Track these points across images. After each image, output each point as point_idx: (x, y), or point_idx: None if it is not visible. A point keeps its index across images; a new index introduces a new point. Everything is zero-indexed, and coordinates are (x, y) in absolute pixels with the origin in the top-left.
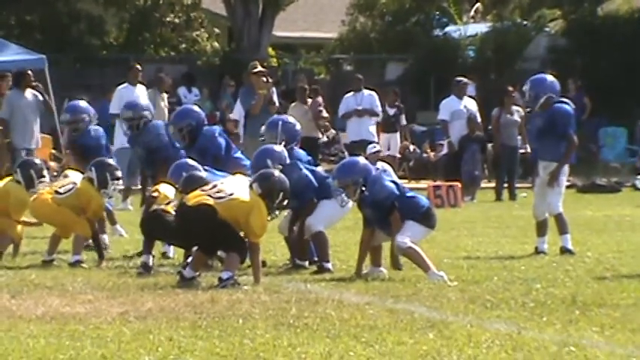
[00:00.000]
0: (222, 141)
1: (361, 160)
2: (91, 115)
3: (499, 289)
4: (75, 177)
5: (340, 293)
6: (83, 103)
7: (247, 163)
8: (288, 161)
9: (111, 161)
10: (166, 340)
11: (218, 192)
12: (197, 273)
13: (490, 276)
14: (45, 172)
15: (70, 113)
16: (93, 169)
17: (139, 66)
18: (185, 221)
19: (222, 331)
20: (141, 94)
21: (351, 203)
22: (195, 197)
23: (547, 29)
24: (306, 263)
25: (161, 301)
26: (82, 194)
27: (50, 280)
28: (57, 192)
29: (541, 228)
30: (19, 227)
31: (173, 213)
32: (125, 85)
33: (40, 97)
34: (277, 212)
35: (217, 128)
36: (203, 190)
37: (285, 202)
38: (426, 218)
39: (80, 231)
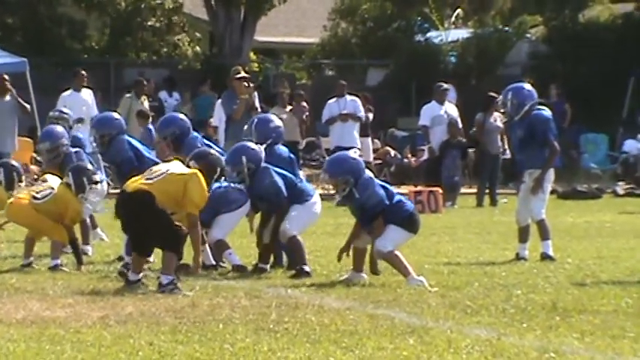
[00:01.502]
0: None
1: (353, 156)
2: (67, 138)
3: (479, 295)
4: (53, 182)
5: (320, 298)
6: (59, 128)
7: None
8: (263, 163)
9: (89, 166)
10: (147, 345)
11: (154, 172)
12: (140, 275)
13: (470, 282)
14: (22, 178)
15: (49, 141)
16: (70, 174)
17: (84, 72)
18: (124, 207)
19: (203, 336)
20: (87, 98)
21: (320, 208)
22: (133, 182)
23: (528, 35)
24: (267, 267)
25: (141, 306)
26: (60, 199)
27: (30, 284)
28: (34, 197)
29: (523, 234)
30: None
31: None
32: (70, 91)
33: (17, 101)
34: (213, 185)
35: (198, 136)
36: (142, 176)
37: (222, 178)
38: (409, 223)
39: (57, 237)
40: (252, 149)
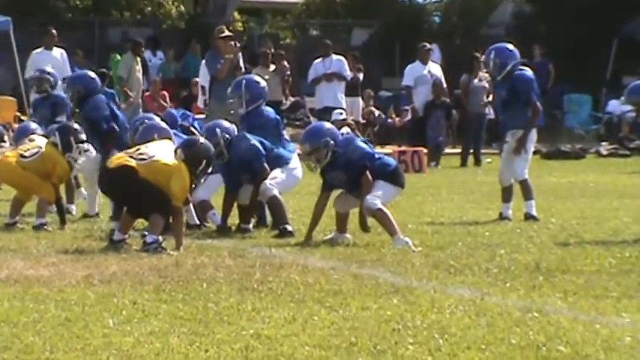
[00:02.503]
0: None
1: (326, 124)
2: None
3: (463, 254)
4: (40, 141)
5: (305, 258)
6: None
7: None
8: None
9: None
10: (130, 304)
11: (141, 154)
12: (126, 236)
13: (454, 242)
14: (5, 138)
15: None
16: (57, 133)
17: (54, 30)
18: (108, 183)
19: (186, 295)
20: (57, 57)
21: (300, 172)
22: (117, 159)
23: None
24: (250, 227)
25: (125, 265)
26: (47, 158)
27: (14, 243)
28: (22, 155)
29: (506, 194)
30: None
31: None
32: (41, 49)
33: None
34: (202, 180)
35: (103, 97)
36: (127, 153)
37: (209, 170)
38: (395, 177)
39: (45, 194)
40: (225, 125)
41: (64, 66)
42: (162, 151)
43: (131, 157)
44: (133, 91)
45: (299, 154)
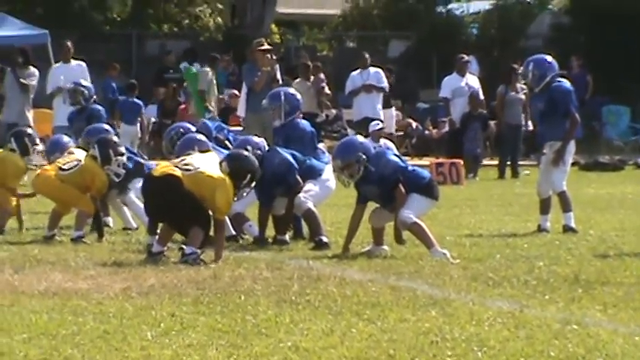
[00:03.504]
0: None
1: (358, 138)
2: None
3: (502, 266)
4: (79, 154)
5: (342, 270)
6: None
7: None
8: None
9: (114, 138)
10: (168, 316)
11: (186, 165)
12: (164, 248)
13: (493, 254)
14: (37, 140)
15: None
16: (96, 146)
17: (69, 43)
18: (151, 191)
19: (225, 308)
20: (74, 68)
21: (334, 183)
22: (162, 168)
23: (550, 7)
24: (287, 237)
25: (163, 277)
26: (86, 171)
27: (53, 256)
28: (61, 168)
29: (545, 206)
30: (14, 200)
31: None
32: (59, 63)
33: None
34: (244, 194)
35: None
36: (172, 163)
37: (253, 184)
38: (429, 189)
39: (83, 207)
40: (255, 140)
41: (82, 77)
42: (208, 163)
43: (176, 166)
44: (212, 104)
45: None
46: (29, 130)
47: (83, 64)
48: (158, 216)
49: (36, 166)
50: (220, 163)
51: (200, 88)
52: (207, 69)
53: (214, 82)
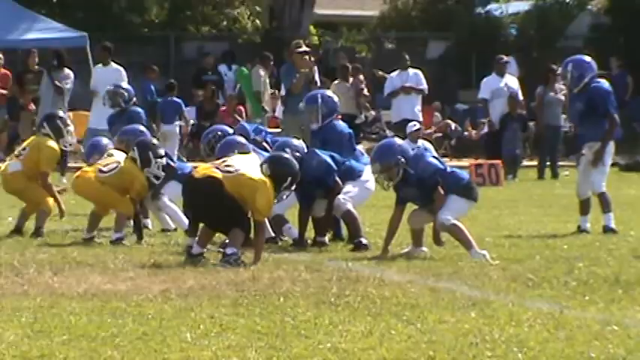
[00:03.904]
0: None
1: (396, 140)
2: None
3: (541, 267)
4: (119, 156)
5: (381, 271)
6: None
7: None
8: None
9: (154, 140)
10: (208, 318)
11: (227, 166)
12: (204, 249)
13: (532, 255)
14: (69, 122)
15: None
16: (135, 148)
17: (107, 44)
18: (192, 193)
19: (264, 309)
20: (112, 72)
21: (373, 184)
22: (203, 169)
23: (589, 7)
24: (326, 239)
25: (202, 279)
26: (126, 173)
27: (92, 258)
28: (101, 170)
29: (584, 207)
30: (51, 200)
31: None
32: (100, 65)
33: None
34: (284, 197)
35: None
36: (213, 164)
37: (293, 187)
38: (468, 191)
39: (123, 209)
40: (294, 143)
41: (120, 81)
42: (248, 165)
43: (217, 168)
44: (266, 104)
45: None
46: (60, 113)
47: (121, 67)
48: (199, 217)
49: (71, 145)
50: (261, 166)
51: (255, 89)
52: (261, 69)
53: (267, 82)
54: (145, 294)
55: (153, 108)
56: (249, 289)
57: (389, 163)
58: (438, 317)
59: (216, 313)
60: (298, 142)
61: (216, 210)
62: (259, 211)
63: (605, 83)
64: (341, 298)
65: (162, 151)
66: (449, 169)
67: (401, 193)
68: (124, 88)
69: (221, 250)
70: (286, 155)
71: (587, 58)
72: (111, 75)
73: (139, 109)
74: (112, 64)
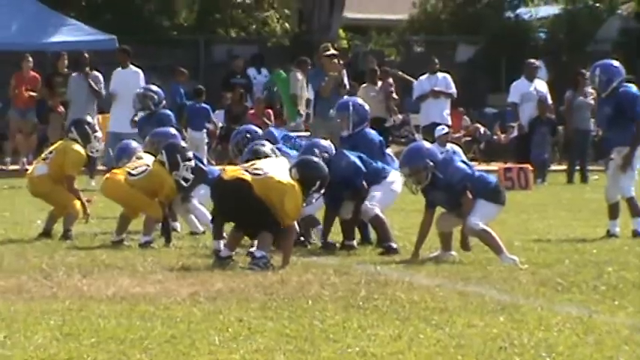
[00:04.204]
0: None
1: (425, 144)
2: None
3: (570, 272)
4: (148, 159)
5: (410, 275)
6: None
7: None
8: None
9: (182, 143)
10: (236, 321)
11: (256, 169)
12: (233, 252)
13: (561, 259)
14: (97, 128)
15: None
16: (164, 152)
17: (126, 48)
18: (220, 195)
19: (292, 313)
20: (131, 75)
21: (399, 186)
22: (232, 172)
23: (619, 11)
24: (354, 243)
25: (231, 282)
26: (155, 176)
27: (121, 261)
28: (130, 173)
29: (613, 211)
30: (78, 203)
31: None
32: (119, 69)
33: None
34: (313, 200)
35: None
36: (242, 167)
37: (322, 190)
38: (496, 195)
39: (152, 212)
40: (323, 144)
41: (137, 84)
42: (277, 169)
43: (246, 170)
44: (302, 108)
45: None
46: (89, 118)
47: (139, 71)
48: (227, 219)
49: (98, 151)
50: (290, 170)
51: (292, 92)
52: (298, 73)
53: (305, 85)
54: (173, 297)
55: (182, 111)
56: (278, 293)
57: (417, 167)
58: (467, 321)
59: (245, 317)
60: (326, 143)
61: (244, 212)
62: (287, 215)
63: (633, 87)
64: (369, 301)
65: (190, 154)
66: (477, 174)
67: (429, 196)
68: (153, 91)
69: (251, 251)
70: (315, 159)
71: (616, 63)
72: (129, 77)
73: (169, 112)
74: (131, 66)
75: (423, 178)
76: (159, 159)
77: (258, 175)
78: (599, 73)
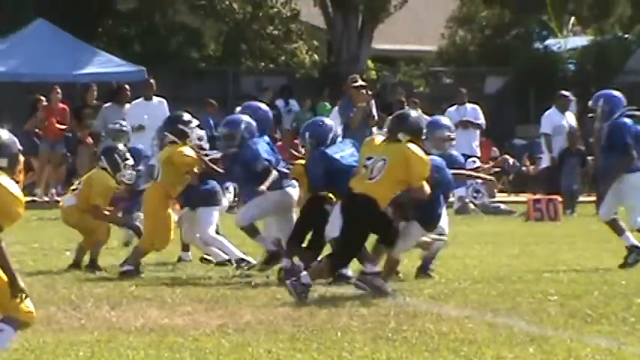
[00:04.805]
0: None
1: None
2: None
3: (599, 303)
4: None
5: (439, 307)
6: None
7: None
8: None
9: (119, 145)
10: (265, 353)
11: (373, 170)
12: (375, 268)
13: (590, 290)
14: (128, 155)
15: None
16: (102, 157)
17: (152, 80)
18: (350, 209)
19: (321, 344)
20: (155, 106)
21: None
22: (358, 183)
23: None
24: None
25: (259, 314)
26: (94, 179)
27: (149, 292)
28: (73, 190)
29: (616, 228)
30: (106, 229)
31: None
32: (140, 99)
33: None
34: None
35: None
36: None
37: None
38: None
39: (100, 235)
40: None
41: (162, 115)
42: (388, 150)
43: (370, 178)
44: None
45: None
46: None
47: (164, 100)
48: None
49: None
50: (395, 137)
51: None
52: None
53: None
54: (202, 328)
55: (212, 142)
56: (307, 324)
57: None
58: (496, 353)
59: (274, 348)
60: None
61: (367, 228)
62: (420, 175)
63: (627, 118)
64: (398, 333)
65: (127, 154)
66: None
67: None
68: (125, 126)
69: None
70: (412, 113)
71: (617, 93)
72: (156, 109)
73: (140, 146)
74: (154, 98)
75: None
76: (100, 165)
77: (378, 173)
78: (604, 103)
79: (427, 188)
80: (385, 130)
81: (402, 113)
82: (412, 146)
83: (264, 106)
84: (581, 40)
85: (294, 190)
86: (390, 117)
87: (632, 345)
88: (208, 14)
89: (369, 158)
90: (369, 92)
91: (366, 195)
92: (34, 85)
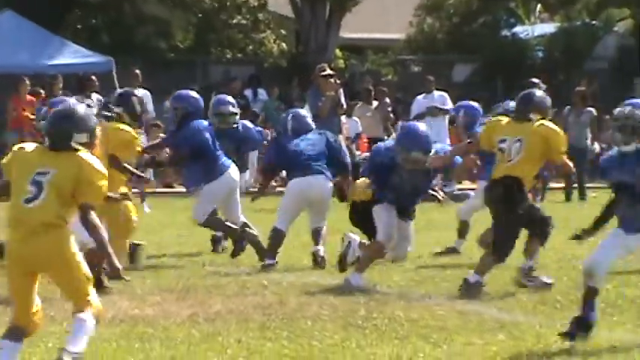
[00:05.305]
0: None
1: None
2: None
3: (569, 289)
4: None
5: (409, 294)
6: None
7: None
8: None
9: None
10: (235, 342)
11: (509, 155)
12: (531, 262)
13: (560, 277)
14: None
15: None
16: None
17: (138, 71)
18: (493, 195)
19: (291, 333)
20: (145, 98)
21: None
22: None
23: (616, 29)
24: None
25: (230, 303)
26: None
27: (120, 283)
28: None
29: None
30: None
31: None
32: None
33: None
34: None
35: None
36: None
37: None
38: None
39: None
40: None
41: (147, 104)
42: (514, 130)
43: (508, 160)
44: None
45: None
46: (137, 93)
47: (148, 93)
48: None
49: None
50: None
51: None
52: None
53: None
54: (172, 318)
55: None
56: (277, 313)
57: None
58: (466, 339)
59: (244, 337)
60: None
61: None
62: (561, 149)
63: None
64: (369, 320)
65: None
66: None
67: None
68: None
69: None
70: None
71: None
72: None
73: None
74: (139, 89)
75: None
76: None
77: (516, 155)
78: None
79: (570, 162)
80: (511, 111)
81: (528, 93)
82: (547, 123)
83: (194, 94)
84: (548, 27)
85: (234, 170)
86: (517, 99)
87: (602, 330)
88: (176, 4)
89: (501, 141)
90: (338, 81)
91: (510, 176)
92: (2, 77)
